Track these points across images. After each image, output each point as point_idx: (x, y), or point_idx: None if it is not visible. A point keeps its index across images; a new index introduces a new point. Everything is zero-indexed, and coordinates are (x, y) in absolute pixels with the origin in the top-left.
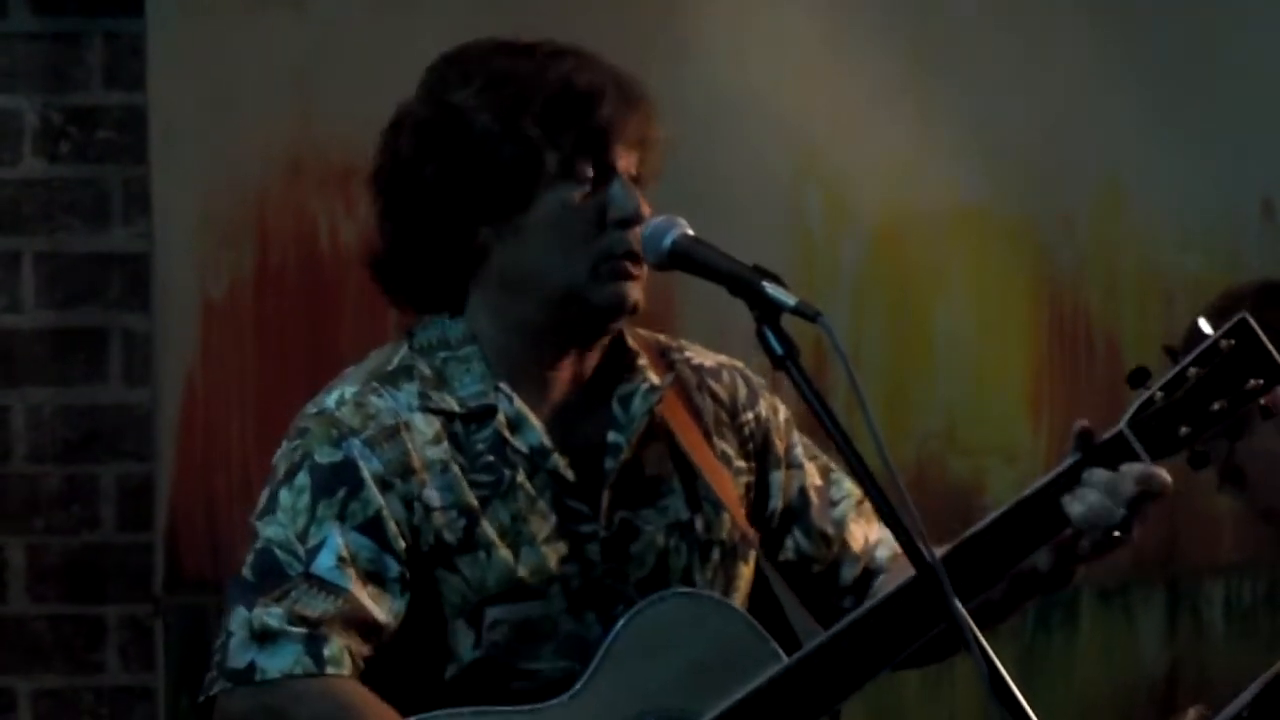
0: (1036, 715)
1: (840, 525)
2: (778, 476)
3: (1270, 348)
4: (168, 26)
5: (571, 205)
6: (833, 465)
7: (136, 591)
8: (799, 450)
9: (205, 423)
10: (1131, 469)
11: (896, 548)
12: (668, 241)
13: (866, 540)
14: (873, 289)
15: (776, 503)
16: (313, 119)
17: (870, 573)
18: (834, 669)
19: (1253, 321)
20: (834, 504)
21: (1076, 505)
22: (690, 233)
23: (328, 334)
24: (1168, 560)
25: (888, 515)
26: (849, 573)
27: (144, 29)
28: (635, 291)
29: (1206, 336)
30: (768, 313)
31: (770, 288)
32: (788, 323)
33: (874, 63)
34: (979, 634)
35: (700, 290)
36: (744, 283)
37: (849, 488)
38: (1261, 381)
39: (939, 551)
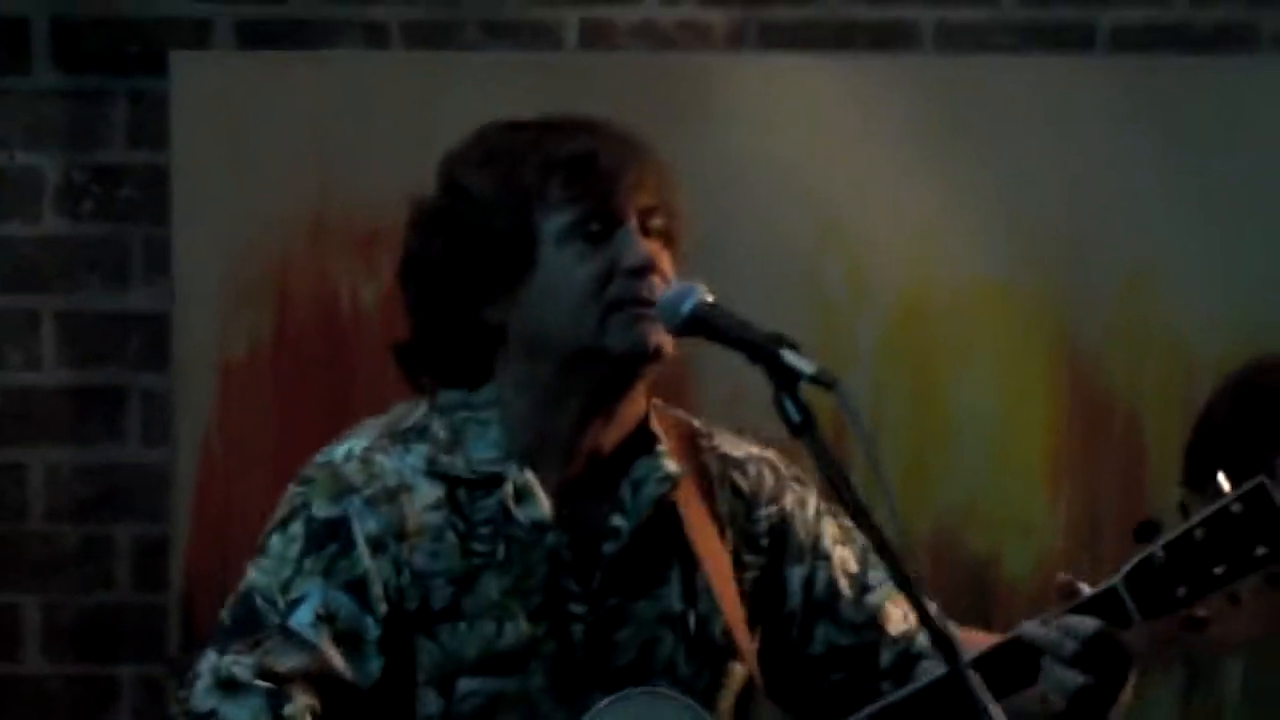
0: None
1: (876, 611)
2: (797, 572)
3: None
4: (191, 86)
5: (577, 262)
6: (869, 547)
7: (151, 652)
8: (827, 540)
9: (222, 483)
10: (1080, 628)
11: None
12: (686, 307)
13: (908, 621)
14: (893, 361)
15: (796, 600)
16: (336, 180)
17: (912, 657)
18: None
19: (1271, 487)
20: (869, 589)
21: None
22: (709, 299)
23: (346, 395)
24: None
25: (903, 584)
26: (887, 657)
27: (168, 88)
28: (655, 335)
29: (1222, 494)
30: (786, 380)
31: (788, 355)
32: (806, 392)
33: (899, 134)
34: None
35: (719, 357)
36: (762, 349)
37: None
38: (1268, 550)
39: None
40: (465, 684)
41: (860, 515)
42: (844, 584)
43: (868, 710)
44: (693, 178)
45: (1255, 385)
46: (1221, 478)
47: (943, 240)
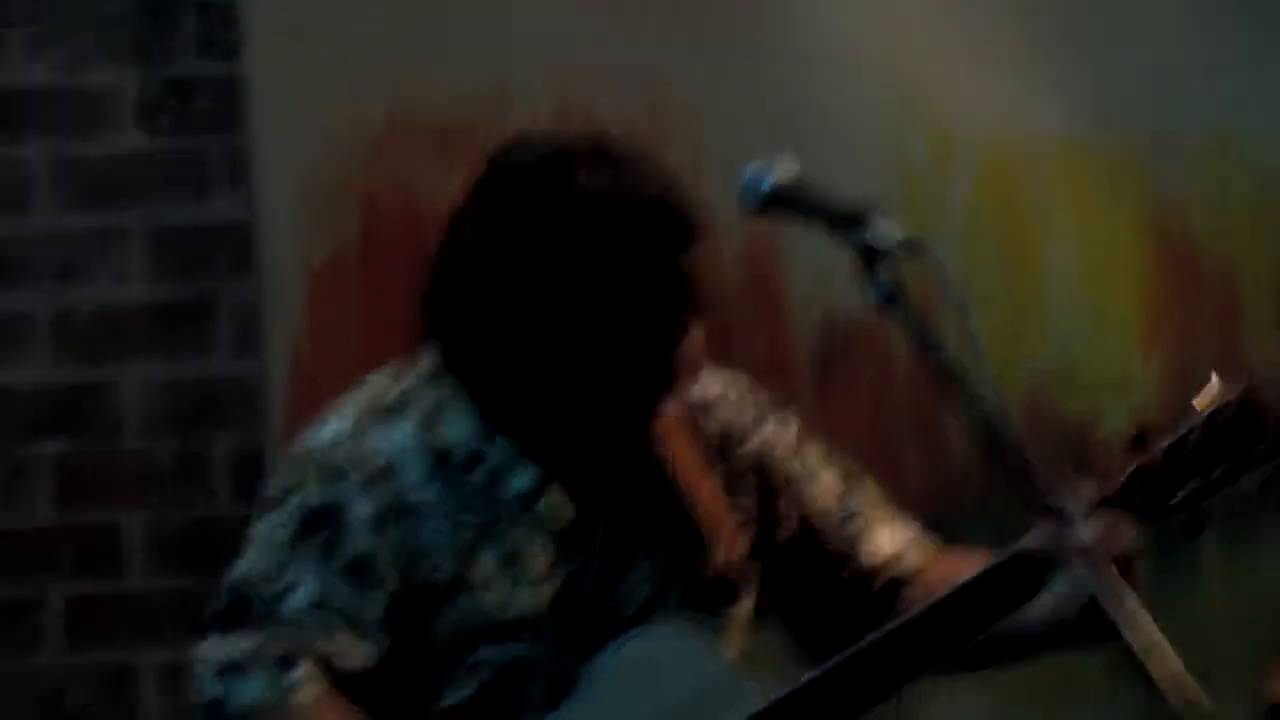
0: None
1: (862, 534)
2: (789, 495)
3: (1269, 424)
4: None
5: (636, 349)
6: (850, 466)
7: None
8: (813, 462)
9: (314, 389)
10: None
11: (927, 547)
12: (769, 183)
13: (894, 544)
14: (979, 226)
15: (790, 521)
16: (411, 80)
17: (895, 583)
18: (887, 665)
19: (1255, 398)
20: (854, 514)
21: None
22: (793, 172)
23: None
24: None
25: (1003, 453)
26: (876, 582)
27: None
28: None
29: (1218, 398)
30: (873, 250)
31: (876, 224)
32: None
33: None
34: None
35: (804, 236)
36: (848, 220)
37: (871, 491)
38: (1263, 449)
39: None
40: (480, 653)
41: (955, 383)
42: (832, 504)
43: (909, 614)
44: (774, 52)
45: None
46: (1214, 378)
47: (1024, 100)
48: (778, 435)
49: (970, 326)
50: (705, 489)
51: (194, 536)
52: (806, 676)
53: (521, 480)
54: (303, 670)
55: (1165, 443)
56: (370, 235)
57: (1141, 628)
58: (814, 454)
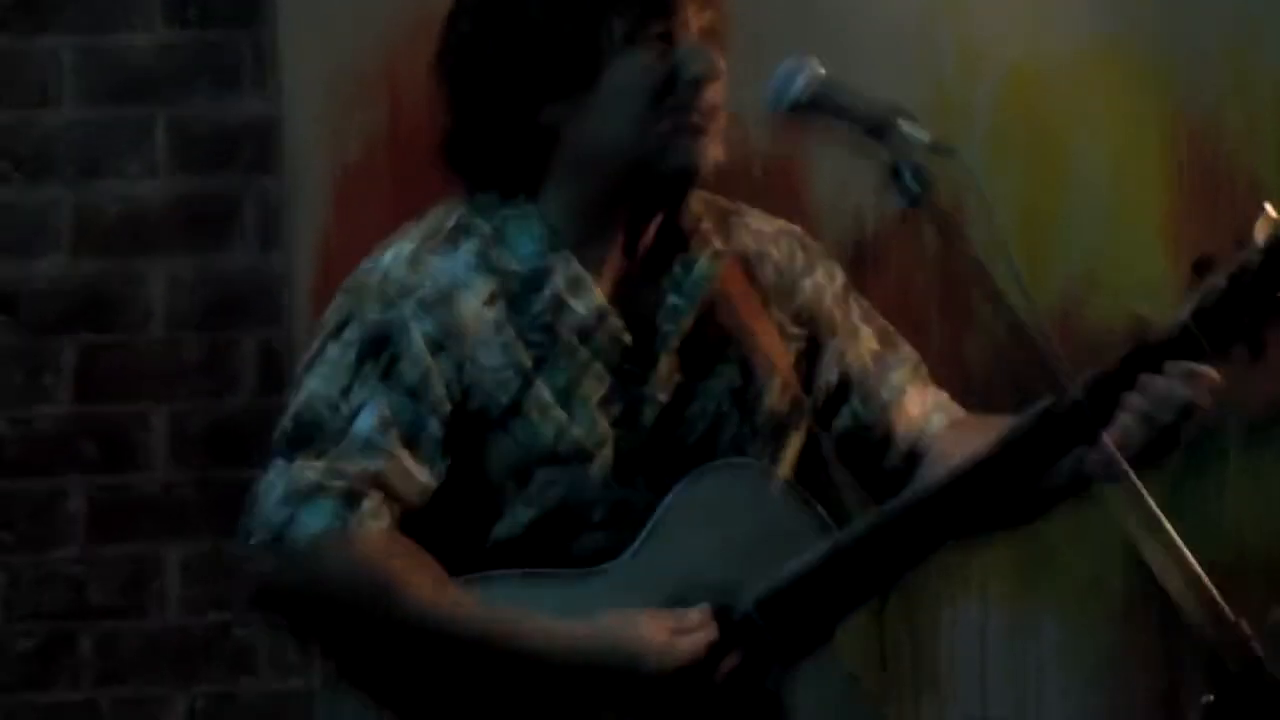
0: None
1: (899, 391)
2: (833, 344)
3: None
4: None
5: (640, 71)
6: (889, 327)
7: None
8: (855, 315)
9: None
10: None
11: (956, 413)
12: (798, 85)
13: (923, 408)
14: (1007, 131)
15: (831, 372)
16: None
17: (917, 453)
18: (894, 543)
19: None
20: (891, 368)
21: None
22: (821, 72)
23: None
24: None
25: (1032, 351)
26: (901, 445)
27: None
28: (711, 151)
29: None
30: (902, 151)
31: (905, 125)
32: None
33: None
34: (1128, 466)
35: (825, 149)
36: (877, 121)
37: (907, 353)
38: None
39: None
40: (542, 474)
41: (984, 282)
42: (869, 360)
43: (923, 488)
44: None
45: None
46: (1268, 206)
47: (1051, 5)
48: (825, 285)
49: (997, 229)
50: (763, 328)
51: (219, 430)
52: (863, 522)
53: (590, 298)
54: (369, 504)
55: (1227, 271)
56: (398, 131)
57: (1163, 542)
58: (857, 309)
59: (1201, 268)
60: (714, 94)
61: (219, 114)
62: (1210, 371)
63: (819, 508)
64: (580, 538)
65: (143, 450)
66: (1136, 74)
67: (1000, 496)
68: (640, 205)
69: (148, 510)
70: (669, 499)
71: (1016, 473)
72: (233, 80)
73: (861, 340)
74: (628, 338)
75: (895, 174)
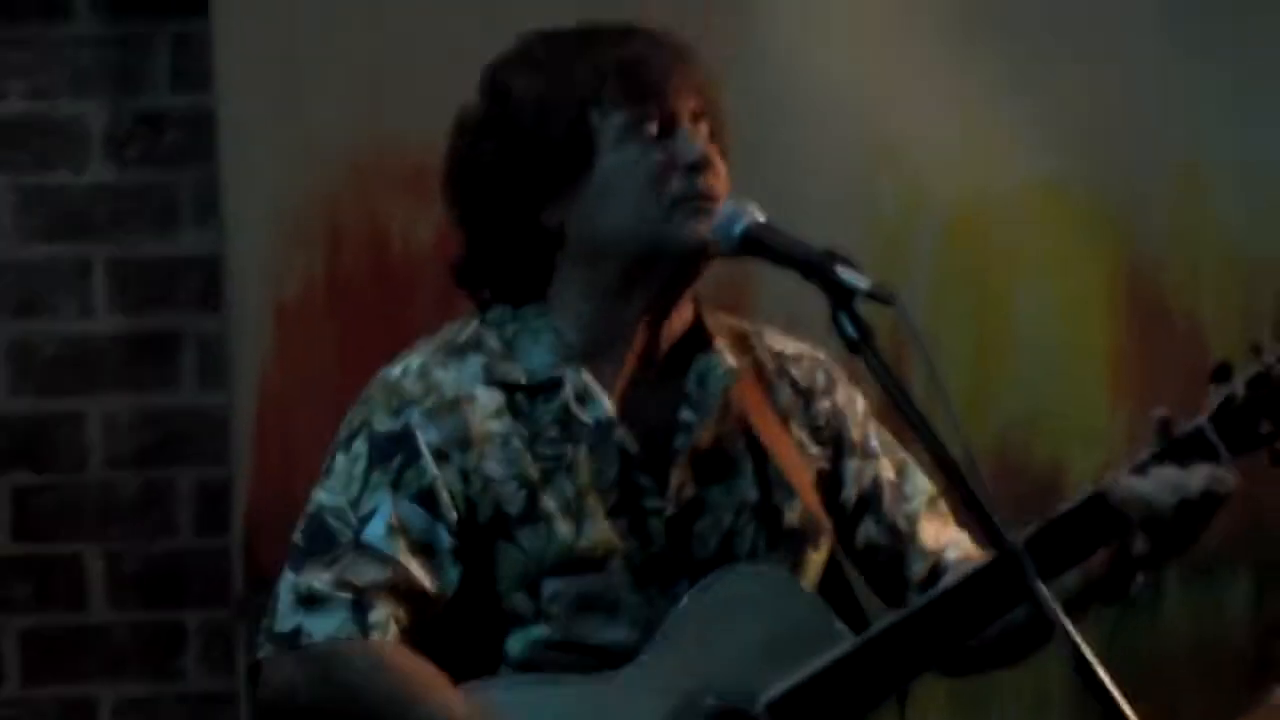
0: (1122, 695)
1: (912, 520)
2: (851, 465)
3: None
4: (234, 26)
5: (635, 162)
6: (908, 459)
7: (215, 596)
8: (875, 442)
9: (281, 424)
10: (1201, 468)
11: (968, 551)
12: (739, 227)
13: (938, 539)
14: (949, 274)
15: (850, 492)
16: (384, 117)
17: (938, 572)
18: (904, 648)
19: None
20: (907, 499)
21: (1134, 495)
22: (762, 218)
23: (402, 333)
24: (1254, 540)
25: (968, 499)
26: (918, 568)
27: (210, 29)
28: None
29: None
30: (842, 296)
31: (844, 270)
32: (863, 309)
33: (946, 43)
34: (1062, 615)
35: (774, 278)
36: (818, 266)
37: (922, 484)
38: None
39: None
40: (550, 585)
41: (922, 430)
42: (887, 488)
43: (925, 597)
44: (739, 96)
45: None
46: None
47: (994, 149)
48: (846, 408)
49: (938, 374)
50: (781, 443)
51: (157, 570)
52: (875, 626)
53: (598, 409)
54: (375, 615)
55: (1247, 376)
56: (339, 270)
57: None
58: (876, 437)
59: (1221, 374)
60: (712, 177)
61: (159, 251)
62: (1227, 475)
63: (834, 615)
64: (597, 648)
65: (79, 590)
66: (1078, 216)
67: (1011, 603)
68: (654, 293)
69: (84, 651)
70: (685, 601)
71: (957, 620)
72: (175, 219)
73: (880, 466)
74: (637, 448)
75: (835, 320)
